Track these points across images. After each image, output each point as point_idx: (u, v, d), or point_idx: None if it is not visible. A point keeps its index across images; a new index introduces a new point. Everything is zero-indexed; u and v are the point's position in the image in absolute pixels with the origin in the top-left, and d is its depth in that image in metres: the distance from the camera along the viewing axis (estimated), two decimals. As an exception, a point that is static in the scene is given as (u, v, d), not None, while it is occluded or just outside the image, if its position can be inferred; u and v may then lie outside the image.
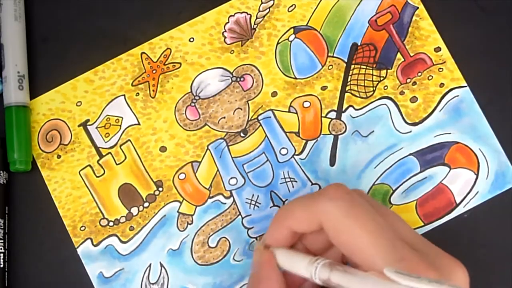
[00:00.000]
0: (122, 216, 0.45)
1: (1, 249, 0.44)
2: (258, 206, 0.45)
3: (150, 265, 0.44)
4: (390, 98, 0.46)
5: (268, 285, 0.37)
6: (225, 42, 0.46)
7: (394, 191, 0.45)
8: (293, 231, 0.37)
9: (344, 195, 0.35)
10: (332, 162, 0.45)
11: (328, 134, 0.45)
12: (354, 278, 0.33)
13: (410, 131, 0.45)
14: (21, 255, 0.44)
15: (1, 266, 0.43)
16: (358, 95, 0.46)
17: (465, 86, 0.46)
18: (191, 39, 0.46)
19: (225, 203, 0.45)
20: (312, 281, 0.35)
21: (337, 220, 0.35)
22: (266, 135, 0.46)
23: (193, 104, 0.46)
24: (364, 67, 0.46)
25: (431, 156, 0.45)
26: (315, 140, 0.45)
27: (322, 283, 0.35)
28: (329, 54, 0.46)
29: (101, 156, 0.45)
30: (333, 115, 0.46)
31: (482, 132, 0.45)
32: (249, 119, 0.46)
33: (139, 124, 0.46)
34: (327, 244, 0.38)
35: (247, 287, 0.39)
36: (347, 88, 0.46)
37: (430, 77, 0.46)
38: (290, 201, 0.39)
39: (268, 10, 0.47)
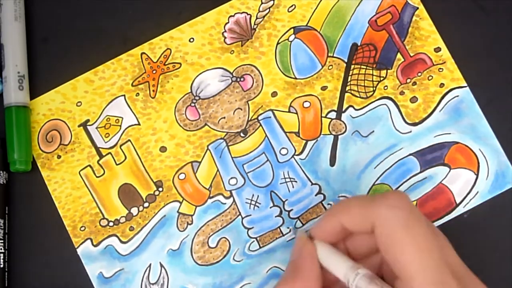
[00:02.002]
0: (122, 216, 0.45)
1: (1, 249, 0.44)
2: (258, 206, 0.45)
3: (150, 265, 0.44)
4: (390, 98, 0.46)
5: (307, 276, 0.37)
6: (225, 42, 0.46)
7: (394, 191, 0.45)
8: (344, 227, 0.38)
9: (405, 205, 0.35)
10: (332, 162, 0.45)
11: (328, 134, 0.46)
12: None
13: (410, 131, 0.45)
14: (21, 255, 0.44)
15: (1, 266, 0.43)
16: (358, 95, 0.46)
17: (465, 86, 0.46)
18: (191, 39, 0.46)
19: (225, 203, 0.45)
20: (346, 285, 0.36)
21: (392, 228, 0.35)
22: (266, 135, 0.46)
23: (193, 104, 0.46)
24: (364, 67, 0.46)
25: (431, 156, 0.45)
26: (315, 140, 0.45)
27: None
28: (329, 54, 0.46)
29: (101, 156, 0.45)
30: (333, 115, 0.46)
31: (482, 132, 0.45)
32: (249, 119, 0.46)
33: (139, 124, 0.46)
34: (369, 251, 0.39)
35: (284, 274, 0.39)
36: (347, 88, 0.46)
37: (430, 77, 0.46)
38: (348, 198, 0.39)
39: (268, 10, 0.47)
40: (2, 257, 0.43)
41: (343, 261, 0.37)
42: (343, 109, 0.46)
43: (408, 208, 0.35)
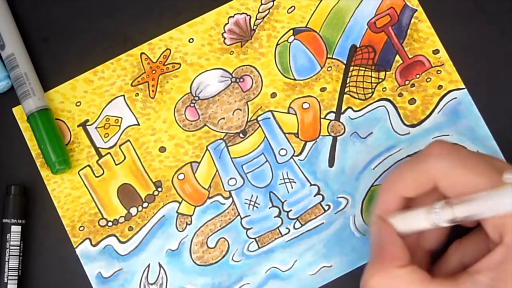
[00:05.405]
0: (121, 216, 0.45)
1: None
2: (257, 207, 0.45)
3: (149, 266, 0.44)
4: (389, 100, 0.46)
5: (392, 249, 0.38)
6: (225, 43, 0.47)
7: (392, 192, 0.45)
8: (404, 197, 0.39)
9: (450, 150, 0.37)
10: (331, 163, 0.45)
11: (327, 135, 0.46)
12: (478, 201, 0.34)
13: (409, 133, 0.46)
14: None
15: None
16: (357, 97, 0.46)
17: (463, 88, 0.46)
18: (191, 40, 0.46)
19: (224, 204, 0.45)
20: (435, 228, 0.37)
21: (453, 173, 0.36)
22: (265, 136, 0.46)
23: (192, 105, 0.46)
24: (363, 69, 0.46)
25: (429, 157, 0.45)
26: (314, 141, 0.46)
27: (448, 224, 0.36)
28: (328, 56, 0.46)
29: (100, 156, 0.45)
30: (332, 116, 0.46)
31: (480, 134, 0.45)
32: (249, 120, 0.46)
33: (138, 124, 0.46)
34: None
35: (369, 258, 0.39)
36: (346, 89, 0.46)
37: (428, 79, 0.46)
38: (395, 168, 0.40)
39: (267, 11, 0.47)
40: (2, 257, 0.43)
41: (417, 212, 0.38)
42: (342, 111, 0.46)
43: (454, 149, 0.38)
